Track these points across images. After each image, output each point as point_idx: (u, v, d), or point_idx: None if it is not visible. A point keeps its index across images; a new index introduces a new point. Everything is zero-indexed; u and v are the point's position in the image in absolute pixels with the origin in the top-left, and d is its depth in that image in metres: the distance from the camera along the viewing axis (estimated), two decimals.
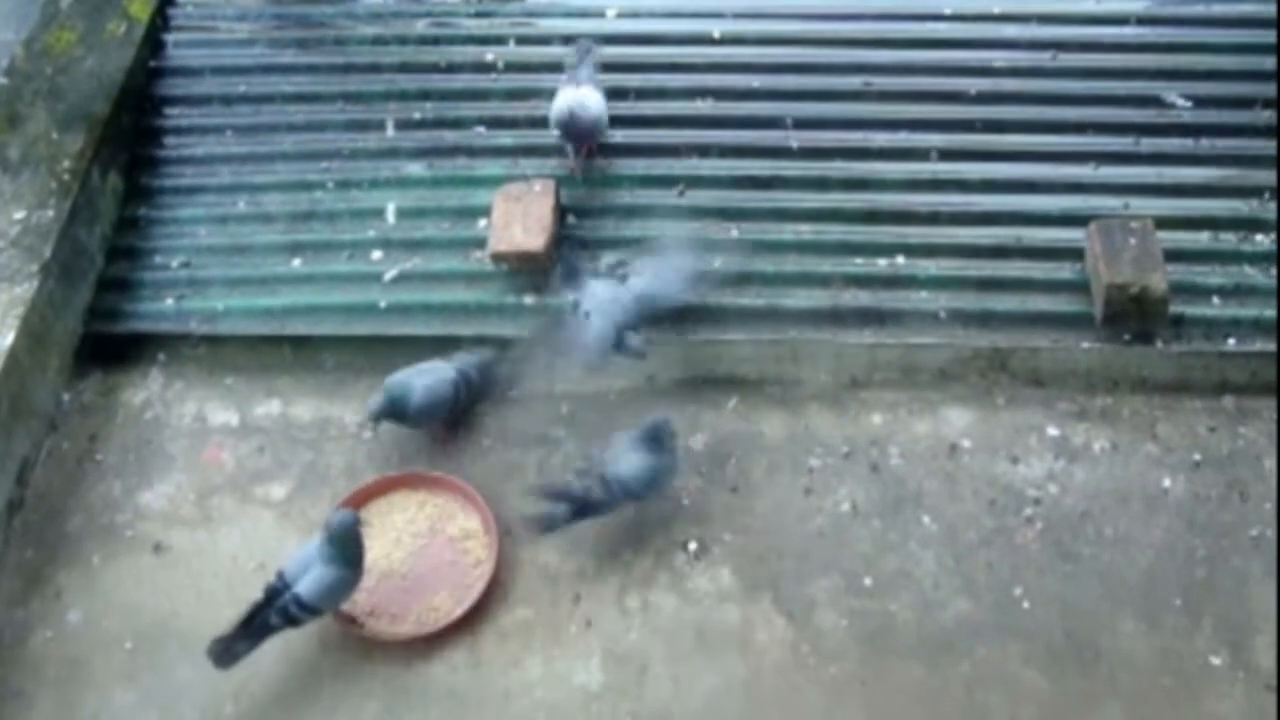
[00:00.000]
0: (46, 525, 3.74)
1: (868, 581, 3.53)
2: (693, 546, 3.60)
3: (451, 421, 3.84)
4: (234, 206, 4.35)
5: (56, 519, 3.75)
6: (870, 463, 3.75)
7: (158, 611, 3.56)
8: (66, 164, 4.17)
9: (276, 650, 3.45)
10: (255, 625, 3.32)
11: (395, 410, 3.70)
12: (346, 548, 3.34)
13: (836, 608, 3.48)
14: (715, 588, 3.53)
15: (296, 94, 4.59)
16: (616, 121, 4.36)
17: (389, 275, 4.12)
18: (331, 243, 4.23)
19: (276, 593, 3.33)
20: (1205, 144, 4.25)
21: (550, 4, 4.85)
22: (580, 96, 4.09)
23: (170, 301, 4.15)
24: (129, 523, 3.74)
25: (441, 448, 3.82)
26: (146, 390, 4.03)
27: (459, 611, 3.48)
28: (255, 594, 3.51)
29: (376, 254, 4.18)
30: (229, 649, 3.32)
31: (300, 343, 4.06)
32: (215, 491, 3.80)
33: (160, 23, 4.77)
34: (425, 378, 3.74)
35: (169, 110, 4.60)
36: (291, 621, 3.33)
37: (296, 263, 4.19)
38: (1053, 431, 3.79)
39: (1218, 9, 4.60)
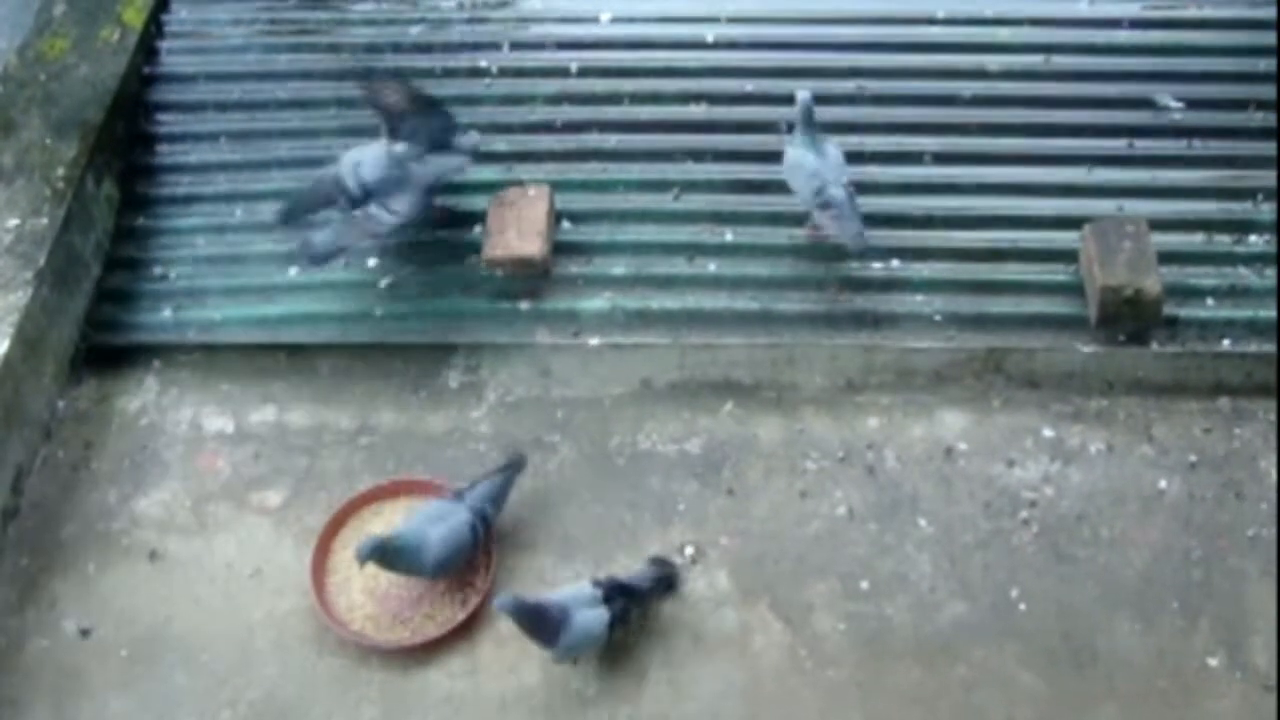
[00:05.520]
0: (42, 533, 3.73)
1: (864, 585, 3.53)
2: (689, 551, 3.60)
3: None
4: (230, 215, 4.34)
5: (52, 527, 3.74)
6: (866, 466, 3.75)
7: (153, 619, 3.55)
8: (60, 171, 4.16)
9: (274, 656, 3.46)
10: None
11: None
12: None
13: (833, 611, 3.48)
14: (712, 592, 3.53)
15: (291, 100, 4.58)
16: (611, 126, 4.37)
17: (384, 282, 4.11)
18: None
19: None
20: (1199, 146, 4.25)
21: (544, 9, 4.84)
22: None
23: (168, 312, 4.15)
24: (125, 530, 3.73)
25: None
26: (142, 397, 4.03)
27: (458, 617, 3.48)
28: (251, 601, 3.53)
29: (372, 261, 4.17)
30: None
31: (295, 349, 4.06)
32: (211, 498, 3.79)
33: (154, 29, 4.75)
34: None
35: (163, 117, 4.59)
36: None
37: (293, 271, 4.18)
38: (1048, 433, 3.80)
39: (1209, 11, 4.60)
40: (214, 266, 4.24)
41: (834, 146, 3.96)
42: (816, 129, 3.92)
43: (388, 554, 3.38)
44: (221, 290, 4.17)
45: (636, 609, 3.40)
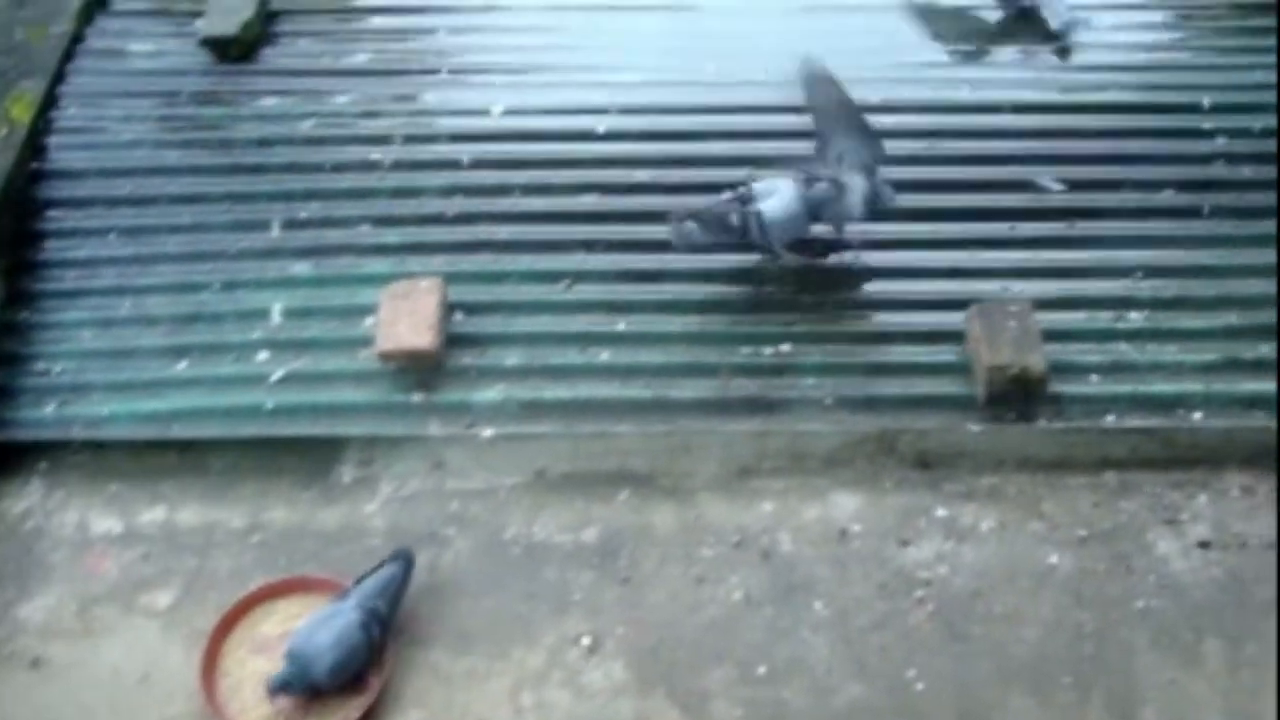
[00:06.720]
0: None
1: (761, 670, 3.52)
2: (585, 641, 3.57)
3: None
4: (117, 310, 4.28)
5: None
6: (761, 550, 3.75)
7: None
8: None
9: None
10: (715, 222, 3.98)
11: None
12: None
13: (730, 698, 3.47)
14: (609, 683, 3.50)
15: (181, 195, 4.54)
16: (502, 218, 4.38)
17: (275, 376, 4.08)
18: (217, 345, 4.18)
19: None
20: (1079, 227, 4.36)
21: (438, 104, 4.86)
22: None
23: (51, 408, 4.07)
24: (6, 638, 3.63)
25: None
26: (27, 499, 3.94)
27: (352, 718, 3.42)
28: (139, 707, 3.45)
29: (263, 355, 4.14)
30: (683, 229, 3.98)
31: (186, 447, 4.00)
32: (97, 602, 3.70)
33: (43, 126, 4.71)
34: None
35: (51, 213, 4.53)
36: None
37: (181, 366, 4.14)
38: (941, 513, 3.84)
39: (1091, 96, 4.74)
40: (100, 361, 4.18)
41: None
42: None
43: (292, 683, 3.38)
44: (107, 385, 4.11)
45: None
